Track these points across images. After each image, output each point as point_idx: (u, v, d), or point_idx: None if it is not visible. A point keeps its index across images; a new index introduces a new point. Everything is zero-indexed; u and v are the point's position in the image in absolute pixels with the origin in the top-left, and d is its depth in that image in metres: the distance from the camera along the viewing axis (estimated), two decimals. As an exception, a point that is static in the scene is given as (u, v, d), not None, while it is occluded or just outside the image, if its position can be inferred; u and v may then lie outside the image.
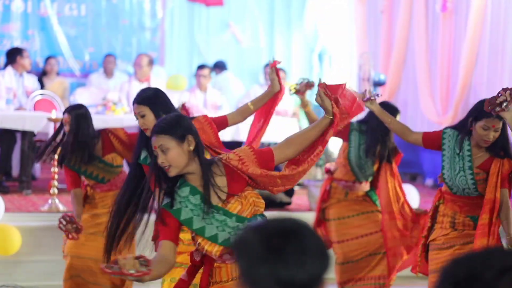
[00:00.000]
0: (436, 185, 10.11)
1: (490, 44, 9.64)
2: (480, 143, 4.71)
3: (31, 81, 9.73)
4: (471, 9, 9.74)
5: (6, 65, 10.59)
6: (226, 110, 10.10)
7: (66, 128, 5.62)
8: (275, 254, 1.96)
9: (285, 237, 1.98)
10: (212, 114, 9.65)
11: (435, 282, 1.95)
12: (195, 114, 9.78)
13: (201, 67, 10.41)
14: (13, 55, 9.62)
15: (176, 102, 9.87)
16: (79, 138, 5.56)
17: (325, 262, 2.00)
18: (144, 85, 9.81)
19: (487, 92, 9.63)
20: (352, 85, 12.03)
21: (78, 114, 5.63)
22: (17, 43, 12.02)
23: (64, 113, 5.74)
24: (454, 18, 10.30)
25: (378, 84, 9.63)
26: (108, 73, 11.56)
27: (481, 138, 4.67)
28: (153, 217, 3.61)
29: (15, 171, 9.16)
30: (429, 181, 10.46)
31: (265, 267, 1.96)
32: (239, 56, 13.11)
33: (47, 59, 11.40)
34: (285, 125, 9.67)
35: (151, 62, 10.10)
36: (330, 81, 3.83)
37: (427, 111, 10.57)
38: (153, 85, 9.83)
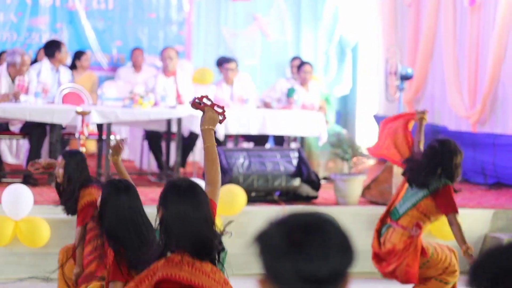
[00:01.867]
0: (465, 180, 10.06)
1: (518, 38, 9.57)
2: None
3: (66, 75, 9.79)
4: (500, 2, 9.67)
5: (35, 59, 10.68)
6: (252, 103, 10.13)
7: (59, 170, 5.60)
8: (297, 248, 1.95)
9: (307, 232, 1.97)
10: (239, 107, 9.73)
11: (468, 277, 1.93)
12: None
13: (227, 60, 10.43)
14: (51, 49, 9.65)
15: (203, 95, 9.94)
16: (67, 187, 5.55)
17: (348, 257, 1.99)
18: (171, 79, 9.86)
19: (515, 86, 9.57)
20: (380, 79, 12.00)
21: (71, 161, 5.58)
22: (45, 37, 12.10)
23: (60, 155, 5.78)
24: (482, 11, 10.23)
25: (405, 78, 9.57)
26: (136, 67, 11.61)
27: None
28: None
29: (44, 164, 9.23)
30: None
31: (287, 261, 1.95)
32: (266, 50, 13.11)
33: (78, 53, 11.47)
34: (312, 119, 9.67)
35: (177, 56, 10.12)
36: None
37: (454, 105, 10.52)
38: (179, 79, 9.90)
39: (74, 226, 7.25)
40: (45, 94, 9.35)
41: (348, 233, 2.03)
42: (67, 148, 9.81)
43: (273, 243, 1.98)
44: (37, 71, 9.50)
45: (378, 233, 6.18)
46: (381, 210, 8.27)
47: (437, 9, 11.06)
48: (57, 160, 5.66)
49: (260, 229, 2.04)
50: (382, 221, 6.21)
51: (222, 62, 10.69)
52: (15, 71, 9.05)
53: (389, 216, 6.18)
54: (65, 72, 9.77)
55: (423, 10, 11.47)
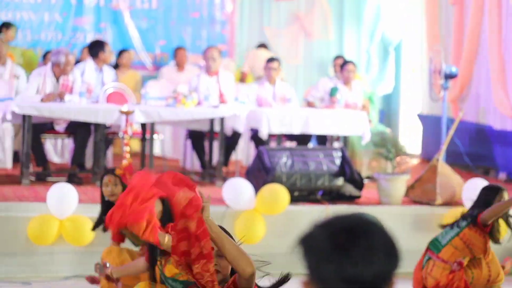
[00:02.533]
0: (510, 179, 9.96)
1: None
2: None
3: (110, 74, 9.87)
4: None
5: (79, 59, 10.79)
6: (295, 103, 10.11)
7: (107, 189, 5.73)
8: (342, 251, 1.95)
9: (352, 234, 1.96)
10: (281, 106, 9.73)
11: None
12: (264, 107, 9.84)
13: (270, 59, 10.43)
14: (95, 49, 9.74)
15: (244, 94, 9.96)
16: None
17: (393, 260, 1.98)
18: (214, 79, 9.88)
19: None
20: (423, 78, 11.92)
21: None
22: (90, 37, 12.22)
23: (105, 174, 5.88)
24: (528, 9, 10.11)
25: (449, 76, 9.50)
26: (180, 66, 11.66)
27: None
28: None
29: (88, 162, 9.33)
30: (502, 175, 10.30)
31: (331, 264, 1.95)
32: (308, 49, 13.08)
33: (121, 52, 11.56)
34: (355, 118, 9.63)
35: (220, 55, 10.14)
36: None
37: (499, 104, 10.40)
38: (221, 79, 9.92)
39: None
40: (89, 94, 9.43)
41: (393, 235, 2.01)
42: (111, 148, 9.89)
43: (317, 246, 1.98)
44: (81, 71, 9.58)
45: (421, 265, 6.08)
46: (425, 210, 8.25)
47: (482, 7, 10.94)
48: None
49: (305, 231, 2.04)
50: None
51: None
52: (59, 70, 9.14)
53: (429, 247, 6.07)
54: (109, 72, 9.84)
55: (467, 8, 11.35)
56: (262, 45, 12.53)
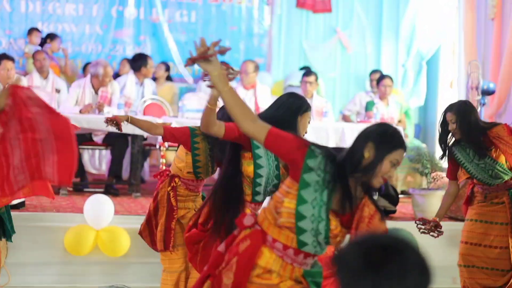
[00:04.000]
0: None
1: None
2: None
3: (151, 88, 9.97)
4: None
5: (118, 71, 10.90)
6: (331, 117, 10.13)
7: None
8: (375, 270, 1.97)
9: (386, 253, 1.99)
10: (317, 120, 9.75)
11: None
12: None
13: (307, 73, 10.46)
14: (138, 63, 9.85)
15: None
16: None
17: (426, 279, 2.00)
18: (250, 92, 9.93)
19: None
20: (461, 94, 11.86)
21: None
22: (129, 49, 12.36)
23: None
24: None
25: (487, 93, 9.47)
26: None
27: None
28: None
29: (125, 174, 9.42)
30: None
31: (365, 281, 1.97)
32: (345, 62, 13.09)
33: (159, 65, 11.66)
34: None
35: (257, 69, 10.20)
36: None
37: (537, 120, 10.34)
38: (258, 92, 9.96)
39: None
40: (128, 107, 9.53)
41: (426, 253, 2.04)
42: (148, 160, 9.96)
43: (351, 263, 2.01)
44: (121, 84, 9.70)
45: None
46: (460, 226, 8.18)
47: (521, 22, 10.88)
48: None
49: (339, 249, 2.07)
50: None
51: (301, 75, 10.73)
52: (98, 82, 9.25)
53: None
54: (149, 86, 9.95)
55: (506, 23, 11.29)
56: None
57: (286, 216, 3.36)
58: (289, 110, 4.72)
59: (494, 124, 5.80)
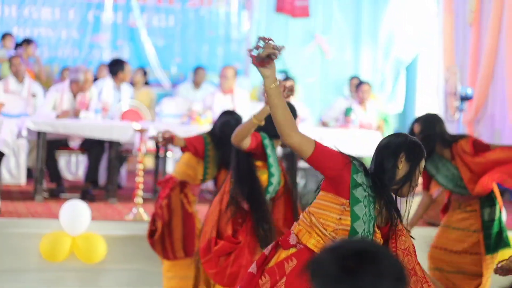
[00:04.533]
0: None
1: None
2: None
3: (128, 92, 9.92)
4: None
5: (96, 76, 10.83)
6: (310, 122, 10.11)
7: None
8: (350, 275, 1.95)
9: (360, 259, 1.97)
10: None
11: None
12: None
13: (285, 79, 10.45)
14: (115, 68, 9.80)
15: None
16: None
17: (401, 285, 1.99)
18: (228, 97, 9.90)
19: None
20: (440, 100, 11.89)
21: None
22: (106, 54, 12.29)
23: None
24: (544, 31, 10.08)
25: (465, 98, 9.49)
26: (196, 84, 11.69)
27: None
28: None
29: (102, 180, 9.35)
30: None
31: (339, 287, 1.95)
32: (324, 68, 13.10)
33: (136, 70, 11.61)
34: (370, 139, 9.60)
35: (235, 75, 10.17)
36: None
37: (515, 126, 10.37)
38: (237, 97, 9.94)
39: (130, 244, 7.35)
40: (105, 112, 9.48)
41: (401, 261, 2.02)
42: (124, 165, 9.90)
43: (325, 269, 1.99)
44: (99, 89, 9.65)
45: None
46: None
47: (499, 28, 10.93)
48: None
49: (314, 255, 2.05)
50: None
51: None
52: (77, 88, 9.20)
53: None
54: (127, 91, 9.90)
55: (484, 29, 11.34)
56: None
57: (341, 233, 3.41)
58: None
59: (459, 137, 5.95)
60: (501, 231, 5.91)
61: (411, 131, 5.85)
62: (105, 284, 7.30)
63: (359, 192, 3.41)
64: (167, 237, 6.12)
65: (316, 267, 2.02)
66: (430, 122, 5.87)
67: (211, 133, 6.12)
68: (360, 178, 3.43)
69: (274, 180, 5.10)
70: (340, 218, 3.40)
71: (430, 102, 13.09)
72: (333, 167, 3.43)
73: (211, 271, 5.14)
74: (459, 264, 5.94)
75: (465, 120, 10.65)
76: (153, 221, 6.28)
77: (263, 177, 5.04)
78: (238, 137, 4.82)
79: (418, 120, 5.91)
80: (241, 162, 5.04)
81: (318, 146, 3.42)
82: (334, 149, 3.50)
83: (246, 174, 5.03)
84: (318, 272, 2.00)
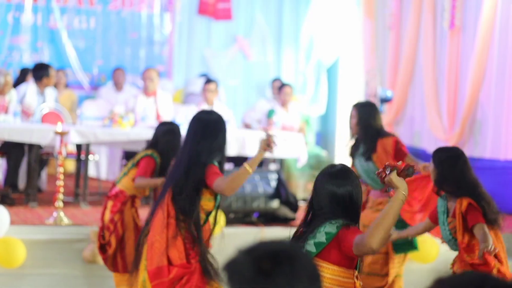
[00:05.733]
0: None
1: (497, 61, 9.63)
2: None
3: (52, 96, 9.77)
4: (479, 26, 9.74)
5: (18, 78, 10.63)
6: (233, 124, 10.12)
7: None
8: (265, 277, 1.96)
9: (276, 260, 1.98)
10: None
11: None
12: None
13: (208, 81, 10.44)
14: (39, 73, 9.62)
15: (183, 115, 9.94)
16: None
17: (316, 285, 2.00)
18: (151, 99, 9.85)
19: (494, 108, 9.62)
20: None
21: None
22: (26, 55, 12.09)
23: None
24: (461, 35, 10.30)
25: (384, 100, 9.63)
26: (118, 86, 11.60)
27: None
28: None
29: (22, 183, 9.20)
30: None
31: None
32: (246, 70, 13.13)
33: (56, 71, 11.44)
34: (292, 141, 9.67)
35: (158, 77, 10.12)
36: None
37: (434, 127, 10.56)
38: (159, 99, 9.90)
39: (50, 248, 7.24)
40: (27, 116, 9.34)
41: (316, 263, 2.03)
42: (45, 169, 9.76)
43: (241, 271, 1.99)
44: (22, 94, 9.49)
45: None
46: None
47: (417, 32, 11.13)
48: None
49: (229, 257, 2.05)
50: None
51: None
52: (-4, 91, 9.04)
53: None
54: (50, 94, 9.76)
55: (403, 33, 11.53)
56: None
57: None
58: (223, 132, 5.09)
59: (387, 134, 6.05)
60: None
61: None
62: (25, 289, 7.19)
63: None
64: (119, 251, 6.07)
65: (232, 269, 2.01)
66: (367, 111, 6.08)
67: (153, 147, 6.10)
68: None
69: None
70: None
71: (351, 104, 13.22)
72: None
73: None
74: (366, 263, 5.96)
75: (385, 122, 10.78)
76: (101, 236, 6.18)
77: (210, 203, 5.11)
78: (235, 186, 4.93)
79: (356, 105, 6.26)
80: (195, 199, 5.05)
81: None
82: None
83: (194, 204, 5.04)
84: (235, 274, 2.00)
